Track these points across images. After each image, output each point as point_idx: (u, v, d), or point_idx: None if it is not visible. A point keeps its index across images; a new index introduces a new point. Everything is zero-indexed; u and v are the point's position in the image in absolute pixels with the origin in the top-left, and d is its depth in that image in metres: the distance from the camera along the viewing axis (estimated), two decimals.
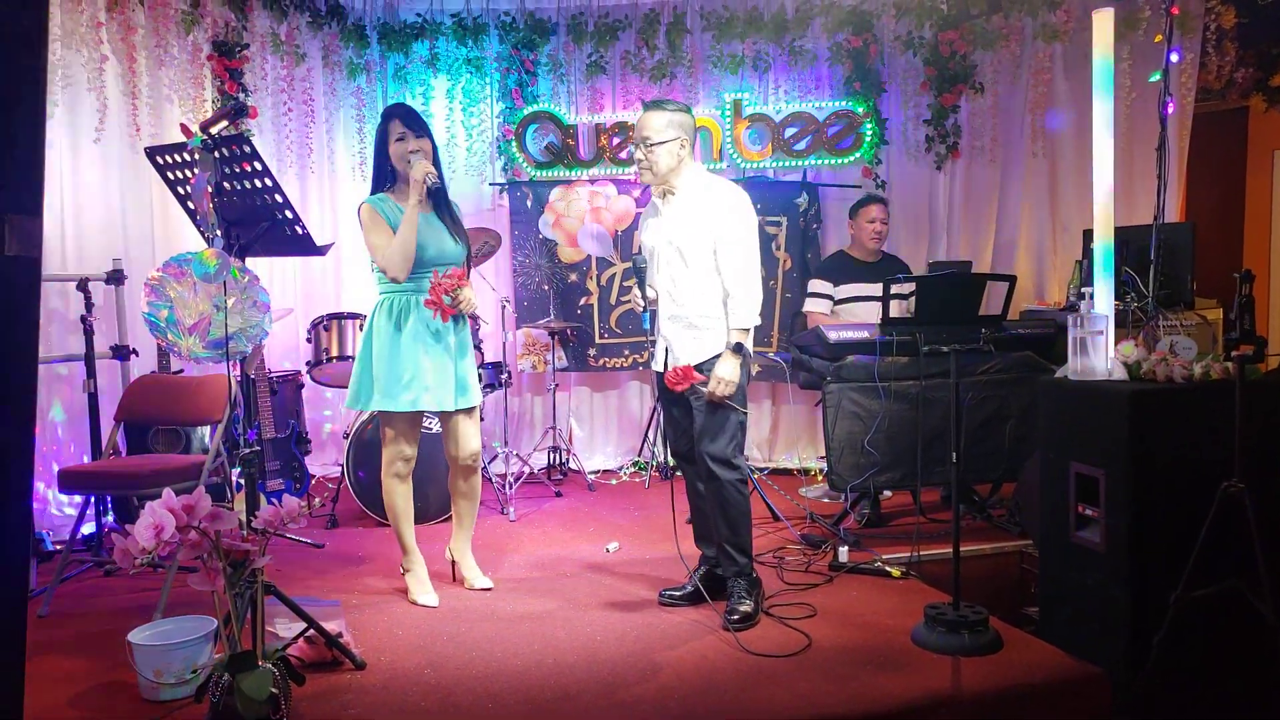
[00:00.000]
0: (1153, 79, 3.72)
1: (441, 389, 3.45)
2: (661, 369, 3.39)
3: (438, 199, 3.49)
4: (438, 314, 3.39)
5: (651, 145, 3.24)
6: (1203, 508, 2.66)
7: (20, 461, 1.84)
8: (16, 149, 1.74)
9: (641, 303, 3.37)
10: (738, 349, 3.23)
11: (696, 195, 3.29)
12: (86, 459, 4.56)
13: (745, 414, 3.33)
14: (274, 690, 2.45)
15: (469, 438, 3.59)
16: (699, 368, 3.27)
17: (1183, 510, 2.76)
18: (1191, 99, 5.88)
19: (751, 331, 3.26)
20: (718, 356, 3.25)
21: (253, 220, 3.02)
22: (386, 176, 3.51)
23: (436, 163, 3.46)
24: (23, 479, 1.87)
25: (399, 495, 3.55)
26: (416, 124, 3.43)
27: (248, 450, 2.96)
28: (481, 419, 3.89)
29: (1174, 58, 4.02)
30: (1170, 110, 3.78)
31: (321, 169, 5.71)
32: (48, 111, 3.34)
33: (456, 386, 3.49)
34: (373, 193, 3.52)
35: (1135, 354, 2.97)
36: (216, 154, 2.85)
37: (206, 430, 4.59)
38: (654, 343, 3.43)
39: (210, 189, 2.81)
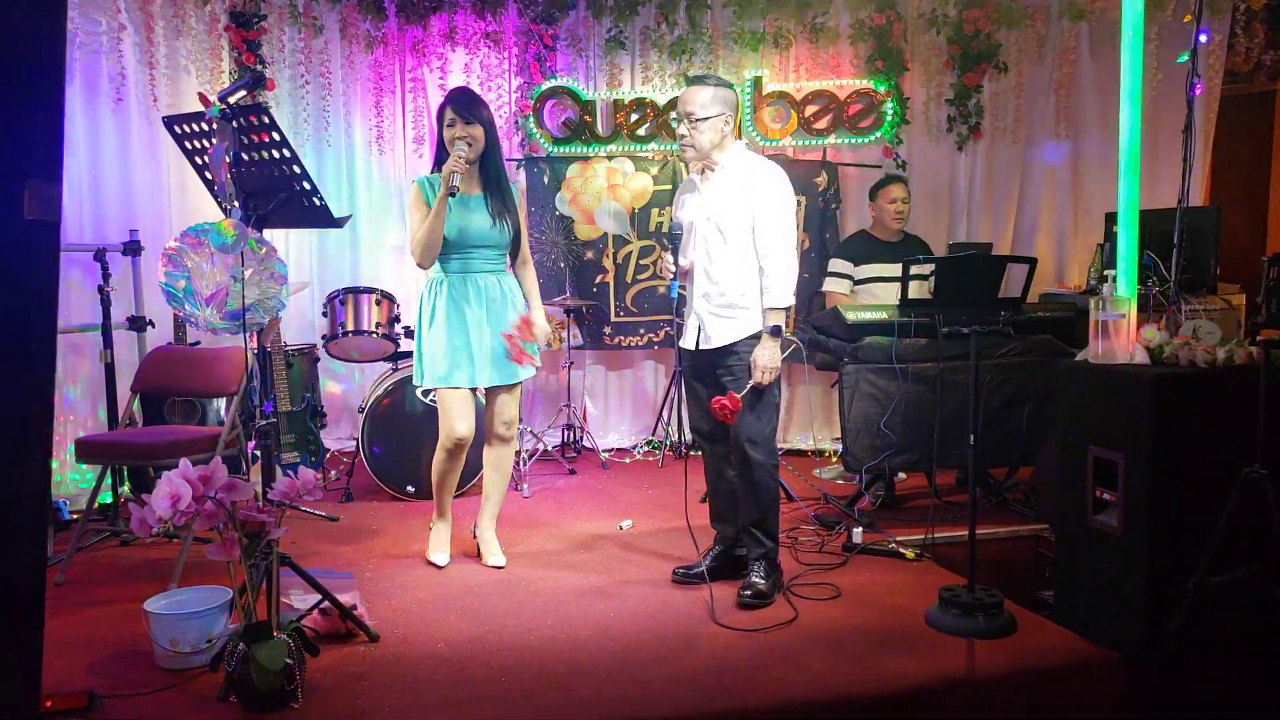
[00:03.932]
0: (1180, 60, 3.66)
1: (477, 365, 3.50)
2: (693, 347, 3.34)
3: (486, 178, 3.54)
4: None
5: (696, 121, 3.18)
6: (1222, 493, 2.64)
7: (40, 429, 1.85)
8: (36, 114, 1.74)
9: (673, 269, 3.28)
10: (776, 332, 3.19)
11: (737, 172, 3.25)
12: (104, 429, 4.58)
13: (779, 395, 3.30)
14: (288, 661, 2.47)
15: (503, 407, 3.64)
16: (733, 346, 3.24)
17: (1202, 496, 2.73)
18: (1219, 81, 5.79)
19: (786, 312, 3.23)
20: (752, 337, 3.22)
21: (270, 191, 3.00)
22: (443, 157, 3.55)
23: (492, 145, 3.51)
24: (42, 446, 1.88)
25: (444, 468, 3.62)
26: (467, 110, 3.42)
27: (263, 422, 2.96)
28: None
29: (1203, 39, 3.95)
30: (1198, 92, 3.71)
31: (338, 142, 5.69)
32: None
33: (494, 363, 3.52)
34: (432, 171, 3.57)
35: (1158, 338, 2.94)
36: (235, 124, 2.84)
37: (222, 402, 4.60)
38: (681, 316, 3.37)
39: (228, 159, 2.80)
